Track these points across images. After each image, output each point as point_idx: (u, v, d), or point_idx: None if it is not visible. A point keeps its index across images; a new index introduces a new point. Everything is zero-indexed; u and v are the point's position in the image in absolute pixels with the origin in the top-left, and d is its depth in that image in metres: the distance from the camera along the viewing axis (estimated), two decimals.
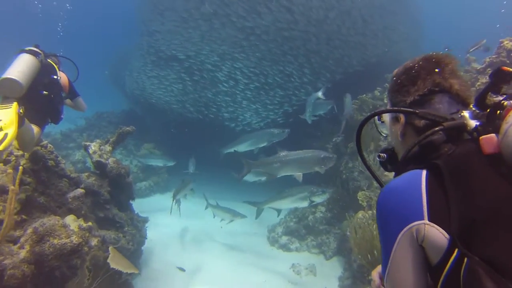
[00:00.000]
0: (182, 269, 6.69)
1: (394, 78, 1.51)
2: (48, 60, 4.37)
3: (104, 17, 32.71)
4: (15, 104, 3.46)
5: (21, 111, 3.47)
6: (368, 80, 10.57)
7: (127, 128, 6.85)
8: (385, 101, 9.14)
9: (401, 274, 1.21)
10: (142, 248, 7.05)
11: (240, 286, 6.75)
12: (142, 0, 13.52)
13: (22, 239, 3.69)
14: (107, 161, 6.33)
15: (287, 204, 7.81)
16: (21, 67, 3.72)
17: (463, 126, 1.27)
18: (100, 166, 6.24)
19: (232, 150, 9.93)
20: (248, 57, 11.38)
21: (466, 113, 1.29)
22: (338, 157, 7.93)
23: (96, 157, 6.22)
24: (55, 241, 3.62)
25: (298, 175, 7.11)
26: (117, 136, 6.88)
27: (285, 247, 8.88)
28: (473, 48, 9.23)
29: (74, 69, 4.86)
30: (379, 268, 1.73)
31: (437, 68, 1.38)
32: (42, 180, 4.97)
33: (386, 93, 1.97)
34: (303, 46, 10.98)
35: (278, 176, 7.32)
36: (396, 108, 1.44)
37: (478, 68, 7.81)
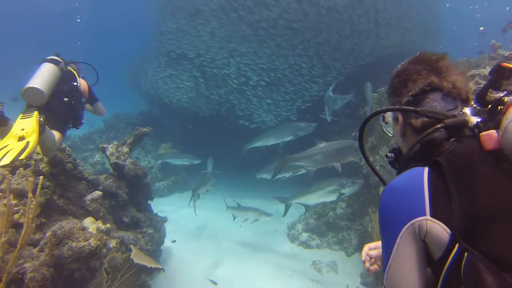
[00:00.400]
0: (214, 283, 6.57)
1: (390, 82, 1.55)
2: (69, 67, 4.58)
3: (122, 20, 33.13)
4: (36, 113, 3.60)
5: (41, 119, 3.60)
6: (384, 72, 10.39)
7: (144, 129, 6.86)
8: None
9: (403, 270, 1.22)
10: (161, 247, 7.07)
11: (260, 286, 6.70)
12: (154, 1, 13.61)
13: (41, 242, 3.72)
14: (124, 163, 6.36)
15: (316, 198, 7.49)
16: (43, 76, 3.92)
17: (464, 123, 1.28)
18: (117, 168, 6.27)
19: (256, 145, 9.79)
20: (256, 52, 11.32)
21: (467, 110, 1.31)
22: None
23: (113, 159, 6.25)
24: (74, 244, 3.64)
25: (337, 165, 6.98)
26: (134, 137, 6.90)
27: (305, 244, 8.79)
28: (509, 27, 8.79)
29: (94, 74, 5.12)
30: (370, 245, 1.83)
31: (426, 69, 1.40)
32: (61, 183, 5.02)
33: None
34: (313, 39, 10.83)
35: (318, 167, 7.17)
36: (397, 106, 1.45)
37: (507, 54, 7.51)
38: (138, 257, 5.02)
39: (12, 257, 3.09)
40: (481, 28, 10.30)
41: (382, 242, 1.32)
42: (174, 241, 7.84)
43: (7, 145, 3.35)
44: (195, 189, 9.01)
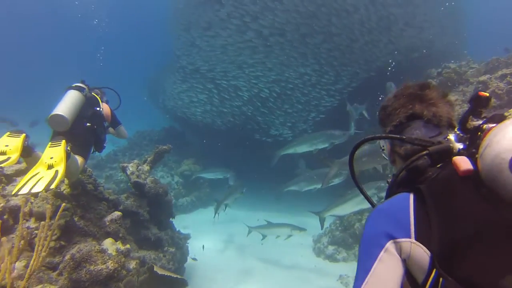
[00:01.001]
0: None
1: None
2: (93, 93, 4.78)
3: (141, 38, 34.05)
4: (63, 142, 3.73)
5: (68, 148, 3.75)
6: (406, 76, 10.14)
7: (164, 147, 6.88)
8: None
9: (379, 286, 1.20)
10: (184, 265, 7.01)
11: None
12: (169, 18, 13.85)
13: (60, 266, 3.71)
14: (145, 181, 6.37)
15: (352, 207, 7.22)
16: (67, 104, 4.13)
17: (448, 149, 1.32)
18: (138, 187, 6.28)
19: (289, 151, 9.47)
20: (265, 63, 11.27)
21: (452, 137, 1.36)
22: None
23: (134, 178, 6.27)
24: (92, 267, 3.61)
25: (379, 166, 6.97)
26: (154, 155, 6.92)
27: (331, 258, 8.57)
28: None
29: (117, 96, 5.36)
30: None
31: (409, 100, 1.50)
32: (82, 204, 5.04)
33: None
34: (323, 43, 10.66)
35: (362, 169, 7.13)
36: (383, 134, 1.52)
37: None
38: (161, 271, 5.02)
39: (21, 286, 3.07)
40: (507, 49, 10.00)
41: (359, 257, 1.30)
42: (195, 259, 7.76)
43: (38, 173, 3.47)
44: (224, 198, 8.94)
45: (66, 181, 4.99)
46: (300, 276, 7.52)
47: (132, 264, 4.33)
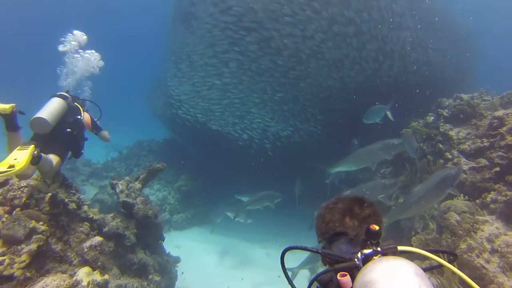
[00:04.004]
0: None
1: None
2: (76, 103, 5.08)
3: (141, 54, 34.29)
4: (31, 147, 3.89)
5: (35, 153, 3.88)
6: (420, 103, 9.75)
7: (157, 165, 6.52)
8: (441, 129, 8.30)
9: None
10: None
11: None
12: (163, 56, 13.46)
13: None
14: (135, 201, 5.99)
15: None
16: (50, 108, 4.41)
17: (356, 267, 1.39)
18: (127, 207, 5.91)
19: (343, 168, 8.23)
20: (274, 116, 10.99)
21: (359, 255, 1.41)
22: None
23: (123, 197, 5.90)
24: None
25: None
26: (147, 173, 6.56)
27: None
28: None
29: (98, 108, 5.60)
30: None
31: (340, 218, 1.64)
32: (61, 225, 4.68)
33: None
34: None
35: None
36: (303, 246, 1.64)
37: None
38: None
39: None
40: None
41: None
42: None
43: None
44: (248, 203, 8.69)
45: (47, 198, 4.63)
46: None
47: None
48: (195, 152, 14.94)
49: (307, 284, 1.56)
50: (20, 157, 3.75)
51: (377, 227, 1.44)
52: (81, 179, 13.55)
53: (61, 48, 5.51)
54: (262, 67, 9.94)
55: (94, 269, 4.17)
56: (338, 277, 1.36)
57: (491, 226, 5.44)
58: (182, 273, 7.46)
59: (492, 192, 6.07)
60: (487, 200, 5.98)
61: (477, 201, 6.18)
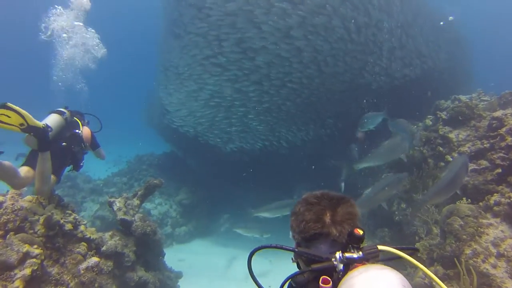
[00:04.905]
0: None
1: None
2: (74, 117, 5.10)
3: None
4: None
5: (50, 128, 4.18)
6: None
7: (155, 181, 6.45)
8: (440, 132, 8.20)
9: None
10: None
11: None
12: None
13: None
14: (133, 218, 5.93)
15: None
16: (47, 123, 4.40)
17: (332, 268, 1.37)
18: (125, 224, 5.83)
19: (369, 164, 8.05)
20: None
21: (337, 255, 1.38)
22: None
23: (120, 215, 5.82)
24: None
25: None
26: (145, 189, 6.50)
27: None
28: None
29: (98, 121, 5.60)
30: None
31: (320, 218, 1.51)
32: (57, 247, 4.60)
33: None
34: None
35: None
36: (278, 245, 1.56)
37: None
38: None
39: None
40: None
41: None
42: None
43: None
44: (277, 207, 8.57)
45: (41, 220, 4.56)
46: None
47: None
48: (195, 164, 14.87)
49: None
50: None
51: (361, 232, 1.41)
52: (82, 196, 13.49)
53: (43, 36, 5.12)
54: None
55: None
56: (320, 283, 1.31)
57: (496, 229, 5.33)
58: None
59: (495, 194, 5.96)
60: (490, 203, 5.86)
61: (481, 203, 6.07)
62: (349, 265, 1.36)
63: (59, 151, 4.62)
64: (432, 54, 11.29)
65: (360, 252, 1.38)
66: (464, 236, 5.43)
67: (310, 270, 1.40)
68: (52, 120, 4.58)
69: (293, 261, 1.62)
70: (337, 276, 1.35)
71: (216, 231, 11.34)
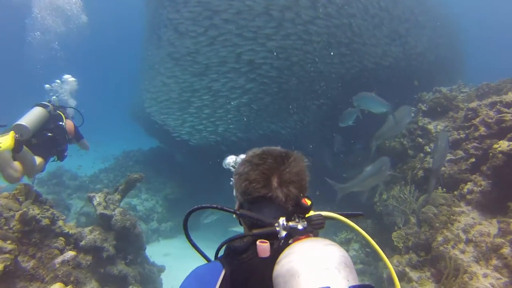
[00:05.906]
0: None
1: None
2: (58, 111, 5.35)
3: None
4: (11, 132, 4.25)
5: (17, 136, 4.26)
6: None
7: (135, 176, 6.49)
8: (420, 123, 8.30)
9: None
10: None
11: None
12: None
13: None
14: (113, 212, 5.95)
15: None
16: (30, 116, 4.73)
17: (274, 233, 1.30)
18: (104, 219, 5.86)
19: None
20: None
21: (281, 221, 1.31)
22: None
23: (100, 209, 5.86)
24: None
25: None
26: (126, 184, 6.53)
27: None
28: None
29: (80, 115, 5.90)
30: None
31: (266, 179, 1.40)
32: (34, 243, 4.62)
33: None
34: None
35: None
36: (219, 205, 1.48)
37: None
38: None
39: None
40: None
41: None
42: None
43: None
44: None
45: (17, 216, 4.59)
46: None
47: None
48: (181, 158, 14.86)
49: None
50: (4, 139, 4.12)
51: (309, 202, 1.34)
52: (68, 193, 13.44)
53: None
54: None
55: (66, 285, 4.13)
56: (258, 242, 1.25)
57: (467, 216, 5.48)
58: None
59: (468, 183, 6.09)
60: (464, 191, 6.00)
61: (455, 192, 6.21)
62: (292, 235, 1.28)
63: (44, 141, 4.95)
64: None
65: (305, 222, 1.31)
66: (437, 224, 5.58)
67: (250, 235, 1.30)
68: (34, 113, 4.82)
69: (240, 224, 1.55)
70: (278, 244, 1.27)
71: (201, 225, 11.36)
